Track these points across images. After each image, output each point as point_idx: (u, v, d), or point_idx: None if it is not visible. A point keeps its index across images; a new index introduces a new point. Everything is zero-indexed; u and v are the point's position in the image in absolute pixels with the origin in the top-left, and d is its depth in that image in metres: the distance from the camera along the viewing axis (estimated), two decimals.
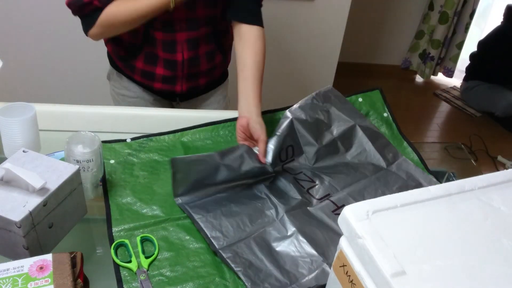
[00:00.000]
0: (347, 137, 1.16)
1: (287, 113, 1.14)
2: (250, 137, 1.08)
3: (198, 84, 1.32)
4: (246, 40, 1.16)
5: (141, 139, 1.13)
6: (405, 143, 1.20)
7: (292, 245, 0.91)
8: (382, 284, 0.56)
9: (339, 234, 0.93)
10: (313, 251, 0.90)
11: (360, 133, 1.16)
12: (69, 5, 1.11)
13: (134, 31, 1.18)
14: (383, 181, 1.09)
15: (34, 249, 0.81)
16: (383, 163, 1.12)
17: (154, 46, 1.21)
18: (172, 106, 1.42)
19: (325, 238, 0.93)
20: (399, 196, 0.67)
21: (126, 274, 0.83)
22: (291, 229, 0.94)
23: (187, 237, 0.91)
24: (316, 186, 1.07)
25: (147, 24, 1.16)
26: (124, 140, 1.12)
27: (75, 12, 1.13)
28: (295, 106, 1.16)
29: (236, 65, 1.16)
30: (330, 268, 0.80)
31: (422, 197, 0.67)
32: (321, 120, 1.16)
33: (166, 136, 1.14)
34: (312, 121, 1.15)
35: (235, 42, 1.20)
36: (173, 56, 1.22)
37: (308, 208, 1.00)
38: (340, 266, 0.65)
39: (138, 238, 0.89)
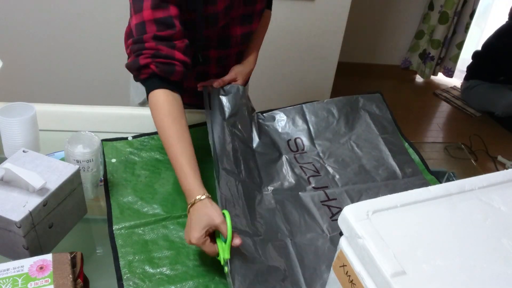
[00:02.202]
0: (365, 145, 1.18)
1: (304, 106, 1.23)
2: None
3: (210, 74, 1.30)
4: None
5: (143, 137, 1.14)
6: (406, 144, 1.20)
7: (269, 213, 0.97)
8: (382, 284, 0.56)
9: (316, 221, 0.98)
10: (282, 226, 0.95)
11: (382, 144, 1.18)
12: (128, 67, 0.98)
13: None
14: (390, 188, 1.09)
15: (34, 249, 0.81)
16: (399, 174, 1.13)
17: (207, 64, 1.18)
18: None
19: (300, 219, 0.97)
20: (399, 196, 0.67)
21: (126, 272, 0.83)
22: (271, 202, 1.00)
23: None
24: (318, 177, 1.09)
25: (201, 47, 1.10)
26: (126, 138, 1.12)
27: (135, 78, 0.99)
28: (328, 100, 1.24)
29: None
30: (291, 244, 0.85)
31: (422, 197, 0.67)
32: (342, 120, 1.21)
33: None
34: (327, 117, 1.21)
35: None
36: (225, 70, 1.19)
37: (299, 192, 1.04)
38: (340, 266, 0.65)
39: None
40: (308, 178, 1.09)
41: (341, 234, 0.65)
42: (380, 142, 1.18)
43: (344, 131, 1.20)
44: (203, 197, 0.83)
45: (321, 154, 1.16)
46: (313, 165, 1.13)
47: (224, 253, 0.78)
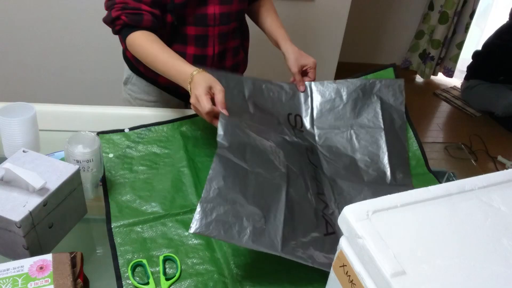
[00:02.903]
0: (365, 137, 1.13)
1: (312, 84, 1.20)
2: (301, 72, 1.21)
3: (225, 66, 1.31)
4: (266, 9, 1.33)
5: (139, 129, 1.13)
6: (411, 132, 1.18)
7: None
8: (382, 284, 0.56)
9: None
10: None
11: (382, 141, 1.11)
12: (104, 21, 1.12)
13: (160, 31, 1.16)
14: (372, 191, 1.03)
15: (34, 249, 0.81)
16: (388, 178, 1.07)
17: (184, 43, 1.19)
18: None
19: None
20: (399, 196, 0.67)
21: (125, 270, 0.83)
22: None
23: (186, 234, 0.92)
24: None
25: (178, 22, 1.15)
26: (122, 130, 1.11)
27: (113, 31, 1.13)
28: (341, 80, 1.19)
29: (262, 22, 1.31)
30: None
31: (422, 197, 0.67)
32: (349, 104, 1.16)
33: (164, 126, 1.13)
34: (333, 99, 1.17)
35: (259, 15, 1.31)
36: (204, 51, 1.21)
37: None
38: (340, 266, 0.65)
39: (161, 258, 0.86)
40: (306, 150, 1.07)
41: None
42: (381, 137, 1.12)
43: (348, 117, 1.14)
44: (198, 70, 0.98)
45: (316, 138, 1.12)
46: (305, 148, 1.09)
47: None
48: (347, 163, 1.09)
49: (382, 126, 1.13)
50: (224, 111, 0.96)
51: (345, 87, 1.17)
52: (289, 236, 0.84)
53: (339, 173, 1.06)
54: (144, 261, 0.85)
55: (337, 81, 1.18)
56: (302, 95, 1.18)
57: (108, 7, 1.09)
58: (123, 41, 1.12)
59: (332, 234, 0.92)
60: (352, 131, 1.13)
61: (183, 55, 1.19)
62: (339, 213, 0.92)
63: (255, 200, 0.85)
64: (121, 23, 1.08)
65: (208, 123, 1.11)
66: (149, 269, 0.84)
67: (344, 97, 1.16)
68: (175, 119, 1.16)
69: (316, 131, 1.13)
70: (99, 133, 1.10)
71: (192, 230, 0.77)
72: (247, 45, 1.38)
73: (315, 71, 1.21)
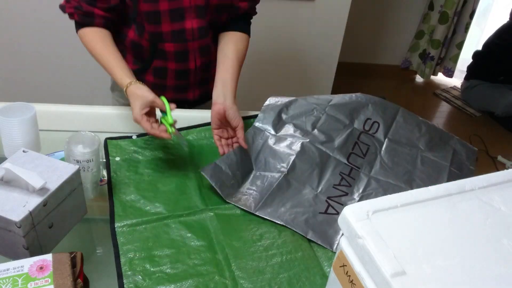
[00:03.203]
0: (430, 164, 1.15)
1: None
2: (225, 124, 1.11)
3: (209, 89, 1.30)
4: (230, 38, 1.21)
5: (147, 136, 1.14)
6: None
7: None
8: (382, 284, 0.56)
9: (319, 179, 1.06)
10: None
11: (445, 172, 1.14)
12: (60, 8, 1.17)
13: (139, 49, 1.20)
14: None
15: (34, 249, 0.81)
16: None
17: (165, 59, 1.20)
18: None
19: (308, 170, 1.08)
20: (399, 196, 0.67)
21: (127, 269, 0.83)
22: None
23: (189, 235, 0.92)
24: (360, 158, 1.14)
25: (155, 39, 1.16)
26: (130, 137, 1.13)
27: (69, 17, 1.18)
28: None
29: (217, 57, 1.19)
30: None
31: (422, 197, 0.67)
32: (424, 139, 1.21)
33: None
34: (412, 129, 1.22)
35: (219, 43, 1.22)
36: (186, 65, 1.22)
37: (329, 152, 1.13)
38: (340, 266, 0.65)
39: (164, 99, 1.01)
40: (350, 153, 1.12)
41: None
42: (445, 172, 1.13)
43: (419, 145, 1.18)
44: (133, 82, 1.03)
45: (384, 146, 1.16)
46: (367, 147, 1.15)
47: (168, 120, 1.00)
48: (401, 174, 1.11)
49: (449, 164, 1.16)
50: (173, 106, 1.03)
51: (426, 127, 1.23)
52: (267, 204, 1.00)
53: (385, 175, 1.10)
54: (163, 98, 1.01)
55: (430, 123, 1.26)
56: (387, 113, 1.24)
57: None
58: (76, 30, 1.17)
59: (329, 214, 1.00)
60: (419, 153, 1.16)
61: (164, 70, 1.22)
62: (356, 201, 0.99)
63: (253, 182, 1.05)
64: (73, 19, 1.15)
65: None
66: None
67: (423, 131, 1.22)
68: (181, 128, 1.17)
69: (386, 141, 1.18)
70: (107, 139, 1.11)
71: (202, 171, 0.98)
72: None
73: (243, 131, 1.09)
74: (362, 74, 3.53)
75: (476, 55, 3.23)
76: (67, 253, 0.77)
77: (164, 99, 1.02)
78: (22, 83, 2.35)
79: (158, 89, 1.26)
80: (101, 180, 1.03)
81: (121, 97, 1.36)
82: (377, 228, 0.61)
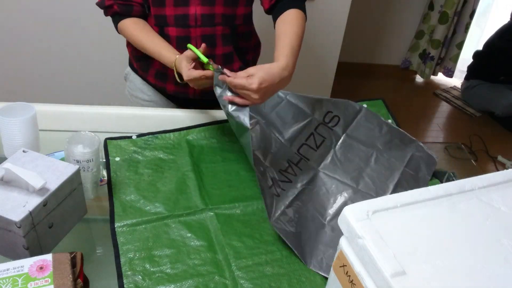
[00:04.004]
0: (384, 163, 1.15)
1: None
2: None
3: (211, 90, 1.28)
4: (287, 17, 1.12)
5: (147, 136, 1.14)
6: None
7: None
8: (382, 284, 0.56)
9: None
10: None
11: (399, 172, 1.12)
12: (98, 5, 1.22)
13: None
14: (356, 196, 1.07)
15: (34, 249, 0.81)
16: None
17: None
18: None
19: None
20: (399, 196, 0.67)
21: (127, 269, 0.83)
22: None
23: (189, 235, 0.92)
24: (312, 150, 1.14)
25: (160, 22, 1.18)
26: (130, 137, 1.13)
27: (104, 14, 1.23)
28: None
29: (275, 39, 1.08)
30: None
31: (422, 197, 0.67)
32: (384, 139, 1.19)
33: (171, 134, 1.15)
34: (373, 128, 1.21)
35: (276, 25, 1.13)
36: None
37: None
38: (340, 266, 0.65)
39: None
40: (303, 144, 1.13)
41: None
42: (398, 172, 1.12)
43: (377, 145, 1.17)
44: (177, 57, 1.09)
45: (340, 141, 1.16)
46: (323, 139, 1.15)
47: (204, 60, 1.05)
48: (351, 171, 1.11)
49: (404, 165, 1.14)
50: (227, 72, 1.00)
51: (388, 127, 1.21)
52: None
53: (335, 172, 1.10)
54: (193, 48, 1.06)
55: (390, 121, 1.24)
56: (350, 109, 1.22)
57: None
58: (114, 26, 1.23)
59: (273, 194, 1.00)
60: (375, 152, 1.16)
61: None
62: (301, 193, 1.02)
63: None
64: (112, 11, 1.19)
65: (214, 133, 1.15)
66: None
67: (384, 131, 1.20)
68: (182, 128, 1.17)
69: (344, 136, 1.17)
70: (107, 139, 1.11)
71: None
72: (249, 58, 1.32)
73: (245, 100, 0.99)
74: (362, 74, 3.53)
75: (477, 55, 3.23)
76: (67, 253, 0.77)
77: (191, 46, 1.07)
78: (22, 83, 2.35)
79: (161, 78, 1.27)
80: (101, 180, 1.03)
81: (130, 87, 1.39)
82: (377, 228, 0.61)
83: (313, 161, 1.11)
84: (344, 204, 1.03)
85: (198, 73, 1.02)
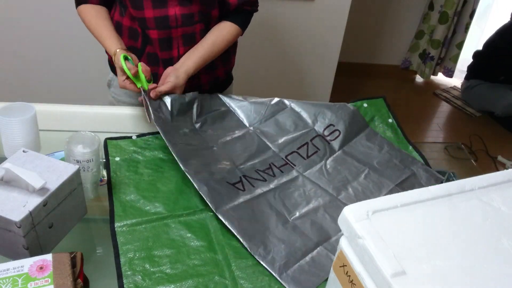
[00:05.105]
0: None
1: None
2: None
3: (200, 83, 1.31)
4: (216, 27, 1.25)
5: (147, 136, 1.14)
6: (410, 147, 1.20)
7: None
8: (382, 284, 0.56)
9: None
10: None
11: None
12: None
13: (133, 35, 1.22)
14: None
15: (34, 249, 0.81)
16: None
17: (154, 46, 1.22)
18: None
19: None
20: (399, 196, 0.67)
21: (127, 269, 0.83)
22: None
23: (189, 235, 0.92)
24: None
25: (142, 25, 1.19)
26: (130, 137, 1.13)
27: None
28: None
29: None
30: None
31: (422, 197, 0.67)
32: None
33: None
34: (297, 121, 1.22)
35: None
36: (170, 53, 1.22)
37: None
38: (340, 266, 0.65)
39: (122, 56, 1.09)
40: (293, 152, 1.14)
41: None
42: (385, 191, 1.10)
43: (373, 164, 1.13)
44: (118, 49, 1.13)
45: (332, 155, 1.15)
46: (316, 150, 1.15)
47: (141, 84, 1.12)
48: (336, 181, 1.09)
49: (396, 184, 1.10)
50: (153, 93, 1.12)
51: (389, 147, 1.19)
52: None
53: (319, 179, 1.09)
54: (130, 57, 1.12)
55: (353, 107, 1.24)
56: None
57: None
58: (76, 7, 1.25)
59: (236, 188, 1.02)
60: (367, 169, 1.12)
61: (156, 57, 1.24)
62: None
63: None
64: None
65: None
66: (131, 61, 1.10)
67: (384, 150, 1.18)
68: None
69: (339, 151, 1.16)
70: (107, 139, 1.11)
71: None
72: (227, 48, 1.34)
73: (167, 86, 1.15)
74: (362, 74, 3.53)
75: (477, 55, 3.23)
76: (67, 253, 0.77)
77: (139, 65, 1.12)
78: (22, 83, 2.35)
79: (152, 77, 1.28)
80: (101, 180, 1.03)
81: (116, 93, 1.37)
82: (377, 228, 0.61)
83: (299, 167, 1.10)
84: (316, 209, 1.00)
85: (131, 87, 1.13)
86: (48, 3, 2.09)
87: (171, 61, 1.23)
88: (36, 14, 2.13)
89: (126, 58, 1.10)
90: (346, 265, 0.64)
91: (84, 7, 1.22)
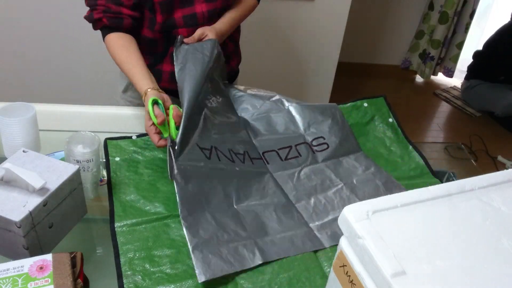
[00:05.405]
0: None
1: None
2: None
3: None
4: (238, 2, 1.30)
5: (147, 136, 1.14)
6: (410, 147, 1.20)
7: None
8: (382, 284, 0.56)
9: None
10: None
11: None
12: (86, 19, 1.17)
13: (154, 42, 1.23)
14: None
15: (34, 249, 0.81)
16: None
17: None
18: None
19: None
20: (399, 196, 0.67)
21: (127, 269, 0.83)
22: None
23: None
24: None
25: (168, 27, 1.19)
26: (130, 137, 1.13)
27: (94, 28, 1.18)
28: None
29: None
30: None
31: (422, 197, 0.67)
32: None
33: None
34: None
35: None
36: None
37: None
38: (340, 266, 0.65)
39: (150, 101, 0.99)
40: (272, 150, 1.13)
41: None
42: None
43: (352, 181, 1.08)
44: (149, 89, 1.03)
45: (311, 165, 1.11)
46: (297, 156, 1.13)
47: (169, 132, 1.00)
48: (301, 189, 1.05)
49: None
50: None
51: (376, 169, 1.12)
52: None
53: (285, 184, 1.06)
54: (160, 101, 1.00)
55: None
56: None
57: (90, 6, 1.15)
58: (103, 38, 1.18)
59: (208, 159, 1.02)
60: (342, 185, 1.07)
61: None
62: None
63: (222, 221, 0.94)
64: (102, 24, 1.15)
65: None
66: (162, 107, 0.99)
67: (370, 171, 1.12)
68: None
69: (321, 163, 1.13)
70: (107, 139, 1.11)
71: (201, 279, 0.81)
72: (236, 36, 1.39)
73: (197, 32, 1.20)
74: (362, 74, 3.53)
75: (477, 55, 3.23)
76: (67, 253, 0.77)
77: (171, 109, 1.00)
78: (22, 83, 2.35)
79: (174, 81, 1.27)
80: (101, 180, 1.03)
81: (134, 97, 1.36)
82: (377, 228, 0.61)
83: (271, 166, 1.08)
84: (266, 206, 0.98)
85: (153, 138, 1.01)
86: (48, 3, 2.09)
87: None
88: (36, 14, 2.13)
89: (156, 102, 1.00)
90: (346, 265, 0.64)
91: (114, 37, 1.14)
